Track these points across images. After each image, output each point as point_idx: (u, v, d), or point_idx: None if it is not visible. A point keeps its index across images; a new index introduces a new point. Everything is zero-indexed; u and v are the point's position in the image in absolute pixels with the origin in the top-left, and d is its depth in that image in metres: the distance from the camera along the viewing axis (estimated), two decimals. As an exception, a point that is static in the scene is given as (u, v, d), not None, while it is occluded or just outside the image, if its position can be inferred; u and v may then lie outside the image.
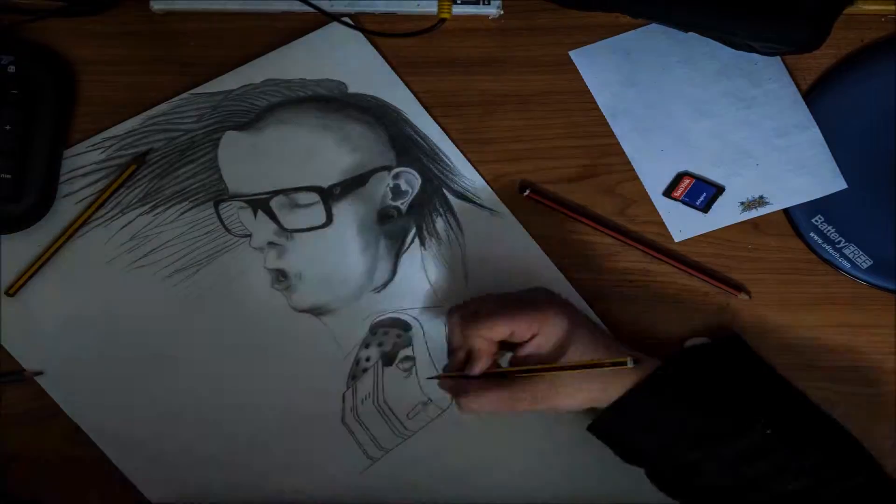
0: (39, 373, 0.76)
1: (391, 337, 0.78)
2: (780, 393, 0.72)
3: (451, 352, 0.72)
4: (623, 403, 0.68)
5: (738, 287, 0.78)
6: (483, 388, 0.70)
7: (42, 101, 0.74)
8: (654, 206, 0.78)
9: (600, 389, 0.69)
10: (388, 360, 0.78)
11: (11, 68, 0.73)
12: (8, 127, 0.73)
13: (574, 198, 0.78)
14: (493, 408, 0.69)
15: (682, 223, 0.79)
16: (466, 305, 0.73)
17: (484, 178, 0.78)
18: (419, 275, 0.78)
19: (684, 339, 0.78)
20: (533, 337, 0.69)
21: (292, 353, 0.77)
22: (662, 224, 0.79)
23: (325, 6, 0.75)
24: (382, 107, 0.78)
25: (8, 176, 0.73)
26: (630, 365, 0.66)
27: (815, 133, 0.78)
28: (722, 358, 0.73)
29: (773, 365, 0.73)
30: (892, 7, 0.77)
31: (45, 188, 0.75)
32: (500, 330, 0.69)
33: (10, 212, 0.74)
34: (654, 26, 0.77)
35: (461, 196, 0.78)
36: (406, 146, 0.78)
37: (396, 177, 0.78)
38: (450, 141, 0.78)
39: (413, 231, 0.78)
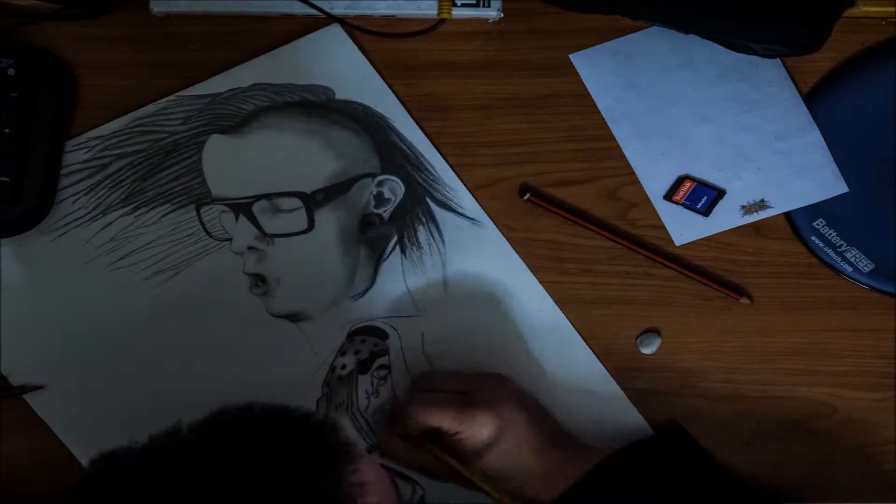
0: (39, 387, 0.75)
1: (368, 345, 0.77)
2: (723, 486, 0.75)
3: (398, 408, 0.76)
4: (570, 497, 0.70)
5: (740, 291, 0.78)
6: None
7: (41, 104, 0.74)
8: (654, 209, 0.78)
9: (541, 480, 0.71)
10: (363, 368, 0.77)
11: (11, 71, 0.73)
12: (7, 130, 0.73)
13: (575, 201, 0.78)
14: (407, 459, 0.74)
15: (683, 227, 0.78)
16: (429, 380, 0.75)
17: (467, 187, 0.77)
18: (399, 283, 0.78)
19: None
20: (455, 433, 0.70)
21: (267, 358, 0.77)
22: (663, 228, 0.78)
23: (325, 8, 0.75)
24: (369, 114, 0.77)
25: (7, 179, 0.73)
26: None
27: (816, 136, 0.77)
28: (665, 451, 0.75)
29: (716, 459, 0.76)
30: (893, 9, 0.77)
31: (44, 191, 0.75)
32: (427, 421, 0.71)
33: (8, 215, 0.74)
34: (654, 29, 0.77)
35: (444, 205, 0.78)
36: (391, 154, 0.77)
37: (380, 184, 0.77)
38: (435, 149, 0.77)
39: (394, 239, 0.78)
